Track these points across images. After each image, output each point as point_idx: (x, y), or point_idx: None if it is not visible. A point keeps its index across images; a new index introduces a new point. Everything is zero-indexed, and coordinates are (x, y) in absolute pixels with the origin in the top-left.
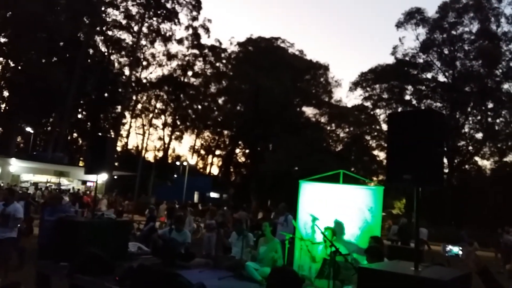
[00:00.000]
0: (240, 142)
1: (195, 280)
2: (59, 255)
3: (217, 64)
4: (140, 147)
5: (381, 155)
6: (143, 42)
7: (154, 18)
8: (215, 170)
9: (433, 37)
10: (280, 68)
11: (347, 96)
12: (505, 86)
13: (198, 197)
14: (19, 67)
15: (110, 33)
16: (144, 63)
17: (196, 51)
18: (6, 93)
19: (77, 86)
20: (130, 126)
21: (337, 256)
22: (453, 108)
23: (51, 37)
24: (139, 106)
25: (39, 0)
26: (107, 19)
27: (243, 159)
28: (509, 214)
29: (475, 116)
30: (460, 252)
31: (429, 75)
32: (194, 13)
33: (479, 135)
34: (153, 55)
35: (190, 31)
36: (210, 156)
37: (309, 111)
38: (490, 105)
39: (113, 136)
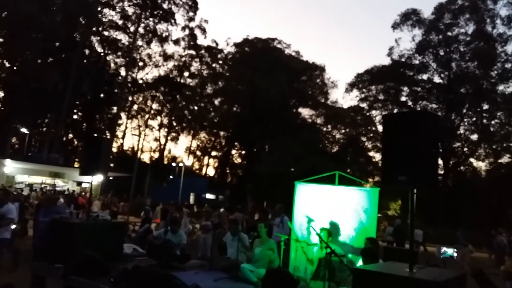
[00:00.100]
0: (236, 143)
1: (190, 281)
2: (54, 257)
3: (214, 65)
4: (136, 148)
5: (377, 157)
6: (140, 42)
7: (151, 19)
8: (211, 171)
9: (429, 38)
10: (277, 69)
11: (343, 97)
12: (500, 87)
13: (194, 199)
14: (15, 68)
15: (106, 33)
16: (140, 63)
17: (192, 52)
18: (1, 94)
19: (72, 87)
20: (126, 127)
21: (332, 257)
22: (449, 109)
23: (47, 38)
24: (135, 107)
25: (34, 1)
26: (103, 19)
27: (239, 160)
28: (504, 215)
29: (470, 117)
30: (455, 254)
31: (425, 76)
32: (191, 14)
33: (474, 137)
34: (149, 56)
35: (187, 31)
36: (206, 157)
37: (305, 112)
38: (486, 107)
39: (108, 137)
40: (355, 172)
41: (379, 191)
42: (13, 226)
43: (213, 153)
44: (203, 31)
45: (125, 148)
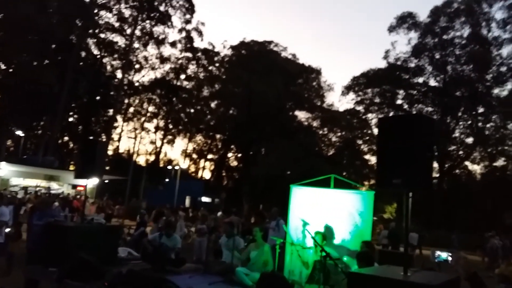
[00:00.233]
0: (232, 146)
1: (185, 285)
2: (48, 260)
3: (210, 68)
4: (131, 151)
5: (373, 160)
6: (136, 45)
7: (147, 21)
8: (207, 174)
9: (424, 42)
10: (273, 72)
11: (339, 100)
12: (496, 91)
13: (190, 202)
14: (10, 70)
15: (102, 35)
16: (137, 66)
17: (189, 54)
18: None
19: (69, 89)
20: (122, 130)
21: (327, 260)
22: (444, 112)
23: (43, 39)
24: (131, 109)
25: (31, 2)
26: (100, 21)
27: (235, 163)
28: (499, 219)
29: (465, 120)
30: (449, 258)
31: (420, 80)
32: (187, 16)
33: (470, 140)
34: (145, 58)
35: (183, 34)
36: (202, 160)
37: (301, 115)
38: (481, 110)
39: (104, 139)
40: (351, 175)
41: (374, 194)
42: (7, 230)
43: (209, 156)
44: (200, 33)
45: (121, 151)
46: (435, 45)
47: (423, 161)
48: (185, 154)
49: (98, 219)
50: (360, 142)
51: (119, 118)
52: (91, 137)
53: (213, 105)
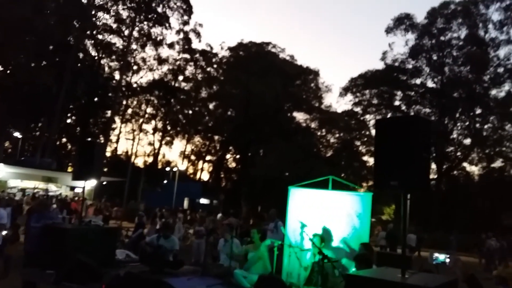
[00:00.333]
0: (231, 148)
1: (183, 287)
2: (46, 263)
3: (208, 69)
4: (129, 153)
5: (371, 161)
6: (134, 46)
7: (145, 22)
8: (205, 176)
9: (422, 43)
10: (271, 73)
11: (337, 102)
12: (493, 92)
13: (188, 203)
14: (8, 71)
15: (100, 37)
16: (135, 67)
17: (187, 56)
18: None
19: (66, 91)
20: (120, 131)
21: (325, 262)
22: (442, 113)
23: (41, 41)
24: (129, 111)
25: (28, 4)
26: (98, 22)
27: (233, 164)
28: (497, 220)
29: (463, 121)
30: (447, 260)
31: (418, 81)
32: (185, 18)
33: (467, 141)
34: (143, 60)
35: (181, 35)
36: (200, 162)
37: (299, 116)
38: (478, 111)
39: (102, 141)
40: (349, 176)
41: (372, 195)
42: (4, 232)
43: (208, 158)
44: (198, 35)
45: (119, 152)
46: (432, 46)
47: (420, 162)
48: (183, 155)
49: (96, 221)
50: (358, 143)
51: (117, 119)
52: (89, 139)
53: (211, 106)
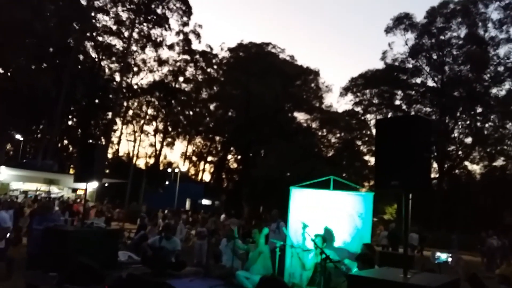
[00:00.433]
0: (232, 148)
1: None
2: (48, 265)
3: (208, 70)
4: (131, 154)
5: (372, 160)
6: (134, 47)
7: (145, 24)
8: (207, 177)
9: (421, 42)
10: (271, 74)
11: (338, 102)
12: (493, 90)
13: (190, 204)
14: (8, 74)
15: (100, 38)
16: (135, 69)
17: (187, 57)
18: None
19: (67, 93)
20: (121, 133)
21: (327, 263)
22: (443, 112)
23: (40, 43)
24: (130, 112)
25: (27, 6)
26: (97, 24)
27: (235, 165)
28: (499, 218)
29: (464, 120)
30: (450, 259)
31: (418, 80)
32: (185, 19)
33: (469, 140)
34: (144, 61)
35: (181, 36)
36: (202, 163)
37: (300, 116)
38: (479, 110)
39: (104, 143)
40: (351, 176)
41: (374, 195)
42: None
43: (209, 158)
44: (198, 36)
45: (120, 154)
46: (432, 46)
47: (421, 162)
48: (185, 156)
49: (98, 223)
50: (359, 143)
51: (118, 121)
52: (90, 141)
53: (212, 107)
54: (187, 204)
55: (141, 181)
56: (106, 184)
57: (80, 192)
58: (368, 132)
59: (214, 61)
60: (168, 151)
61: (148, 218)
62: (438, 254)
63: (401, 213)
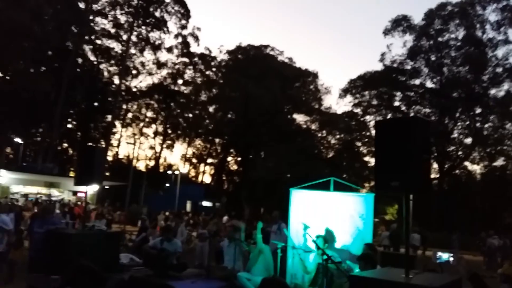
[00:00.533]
0: (232, 150)
1: None
2: (50, 268)
3: (207, 72)
4: (131, 157)
5: (372, 161)
6: (132, 50)
7: (143, 27)
8: (207, 179)
9: (420, 44)
10: (270, 76)
11: (337, 103)
12: (492, 91)
13: (191, 206)
14: (7, 77)
15: (98, 42)
16: (134, 71)
17: (186, 59)
18: None
19: (66, 96)
20: (121, 136)
21: (329, 264)
22: (442, 113)
23: (39, 47)
24: (130, 115)
25: (26, 10)
26: (96, 28)
27: (235, 167)
28: (499, 218)
29: (463, 121)
30: (451, 259)
31: (417, 82)
32: (183, 22)
33: (468, 140)
34: (142, 64)
35: (180, 39)
36: (202, 165)
37: (299, 118)
38: (478, 110)
39: (103, 145)
40: (351, 177)
41: (374, 196)
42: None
43: (209, 160)
44: (196, 38)
45: (120, 156)
46: (430, 47)
47: (420, 163)
48: (185, 158)
49: (99, 226)
50: (359, 144)
51: (117, 124)
52: (89, 144)
53: (211, 109)
54: (188, 206)
55: (142, 183)
56: (107, 187)
57: (80, 195)
58: (368, 133)
59: (213, 63)
60: (168, 153)
61: (149, 221)
62: (439, 253)
63: (402, 213)
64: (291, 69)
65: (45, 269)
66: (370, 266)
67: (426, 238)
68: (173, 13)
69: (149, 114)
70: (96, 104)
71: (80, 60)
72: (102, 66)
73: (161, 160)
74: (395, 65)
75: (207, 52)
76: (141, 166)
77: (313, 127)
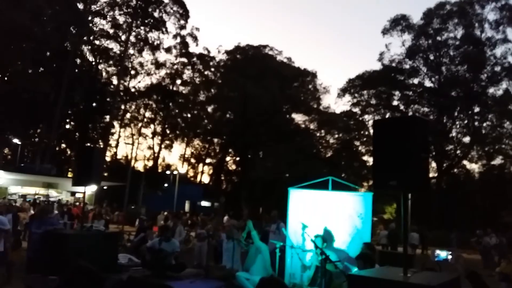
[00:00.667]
0: (230, 150)
1: None
2: (48, 269)
3: (206, 72)
4: (129, 157)
5: (371, 161)
6: (131, 51)
7: (142, 27)
8: (206, 179)
9: (418, 43)
10: (268, 76)
11: (336, 103)
12: (491, 90)
13: (189, 206)
14: (6, 78)
15: (97, 42)
16: (132, 72)
17: (184, 60)
18: None
19: (64, 96)
20: (119, 136)
21: (327, 263)
22: (440, 112)
23: (38, 48)
24: (128, 115)
25: (25, 11)
26: (94, 28)
27: (234, 167)
28: (497, 217)
29: (462, 120)
30: (449, 257)
31: (415, 81)
32: (182, 22)
33: (467, 139)
34: (141, 64)
35: (178, 39)
36: (200, 165)
37: (298, 117)
38: (477, 109)
39: (102, 146)
40: (350, 176)
41: (373, 195)
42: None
43: (208, 160)
44: (195, 39)
45: (118, 157)
46: (429, 47)
47: (418, 162)
48: (183, 159)
49: (97, 226)
50: (357, 143)
51: (116, 124)
52: (88, 144)
53: (209, 109)
54: (186, 206)
55: (140, 183)
56: (105, 187)
57: (79, 195)
58: (366, 133)
59: (211, 63)
60: (166, 153)
61: (147, 221)
62: (438, 252)
63: (400, 212)
64: (290, 69)
65: (43, 269)
66: (369, 265)
67: (425, 237)
68: (171, 13)
69: (148, 114)
70: (94, 104)
71: (78, 61)
72: (100, 66)
73: (160, 160)
74: (393, 64)
75: (205, 52)
76: (139, 166)
77: (312, 126)
